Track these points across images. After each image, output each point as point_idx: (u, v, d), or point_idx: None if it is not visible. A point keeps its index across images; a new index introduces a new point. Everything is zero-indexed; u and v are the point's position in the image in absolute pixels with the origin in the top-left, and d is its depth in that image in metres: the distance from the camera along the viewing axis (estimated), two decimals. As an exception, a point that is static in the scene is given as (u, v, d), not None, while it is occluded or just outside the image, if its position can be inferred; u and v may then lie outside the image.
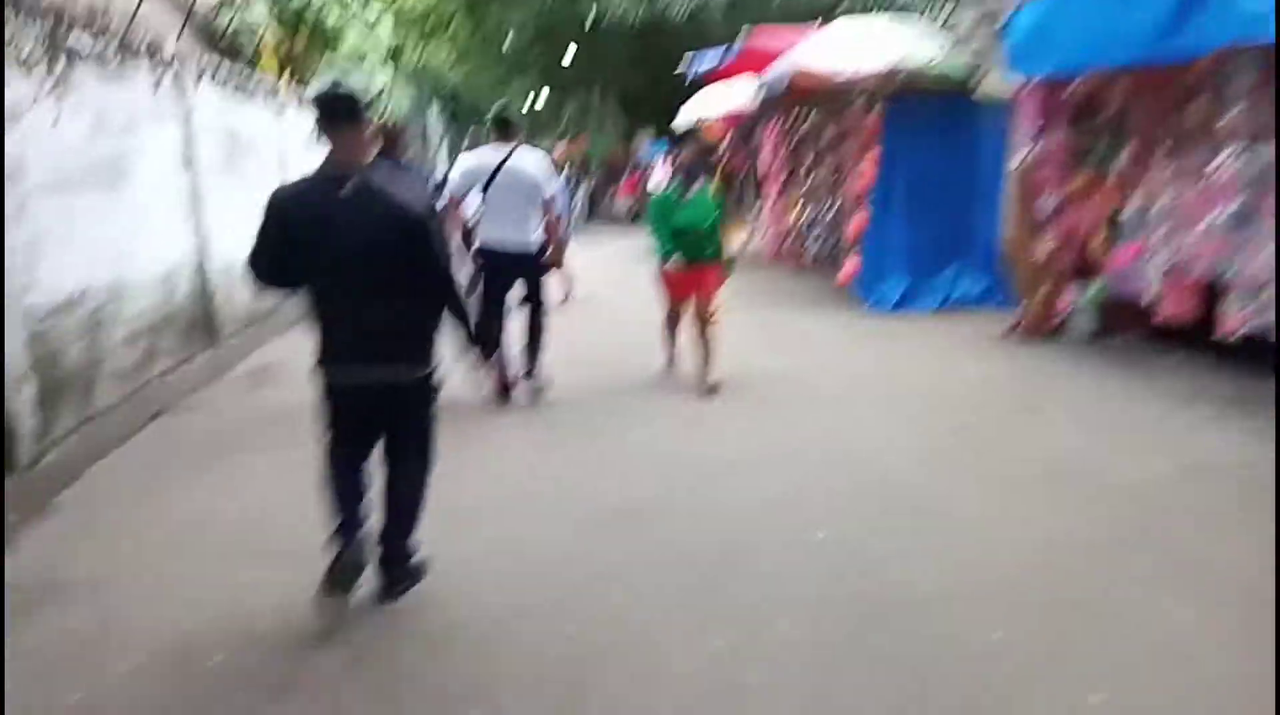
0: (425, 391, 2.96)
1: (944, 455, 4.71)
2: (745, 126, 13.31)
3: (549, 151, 19.08)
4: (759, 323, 8.54)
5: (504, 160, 5.28)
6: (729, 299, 6.61)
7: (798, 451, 4.77)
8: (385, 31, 13.89)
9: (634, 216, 21.75)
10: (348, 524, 2.96)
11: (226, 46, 10.51)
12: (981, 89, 8.43)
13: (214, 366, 6.93)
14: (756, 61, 11.00)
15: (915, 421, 5.32)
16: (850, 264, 9.19)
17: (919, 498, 4.11)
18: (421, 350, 2.90)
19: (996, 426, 5.21)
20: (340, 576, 2.89)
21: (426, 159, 27.59)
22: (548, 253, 5.62)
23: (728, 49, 10.55)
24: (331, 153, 2.74)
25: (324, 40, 12.44)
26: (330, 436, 2.99)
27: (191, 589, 3.27)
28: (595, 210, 22.92)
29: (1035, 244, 7.20)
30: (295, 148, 11.04)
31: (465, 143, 15.07)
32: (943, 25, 10.59)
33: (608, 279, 11.59)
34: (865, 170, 8.86)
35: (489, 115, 5.48)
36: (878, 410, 5.59)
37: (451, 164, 8.49)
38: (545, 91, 40.96)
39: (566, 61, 26.73)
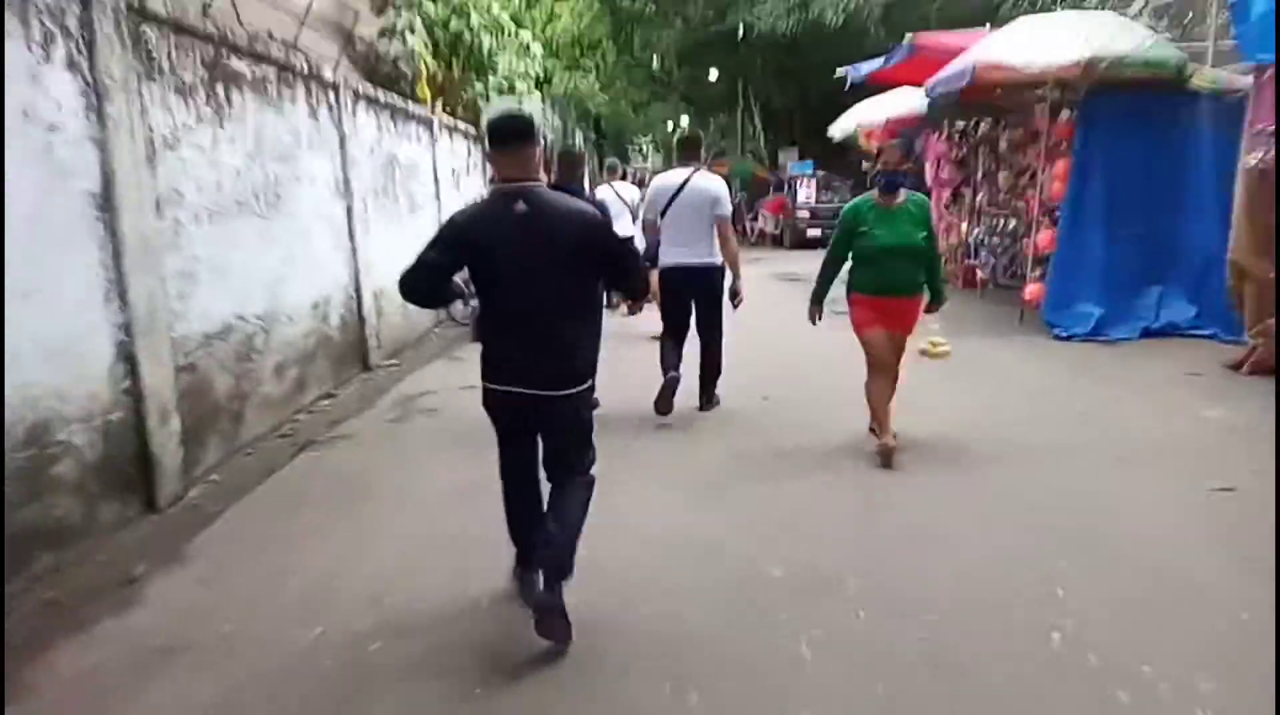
0: (587, 407, 3.02)
1: (1215, 528, 3.76)
2: (906, 136, 12.35)
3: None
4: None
5: (686, 181, 5.45)
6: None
7: (1021, 522, 3.91)
8: (536, 58, 13.86)
9: (779, 237, 20.96)
10: (525, 543, 3.13)
11: (385, 75, 10.65)
12: (1197, 79, 7.27)
13: (363, 396, 6.78)
14: (922, 67, 10.14)
15: (1163, 483, 4.32)
16: (1035, 286, 8.15)
17: (1190, 587, 3.23)
18: (587, 367, 2.97)
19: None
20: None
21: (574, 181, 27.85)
22: (725, 274, 5.71)
23: (891, 52, 9.73)
24: (503, 174, 2.82)
25: (478, 67, 12.49)
26: (502, 451, 3.08)
27: (321, 658, 2.88)
28: (741, 231, 22.32)
29: (1272, 259, 6.03)
30: (448, 174, 11.06)
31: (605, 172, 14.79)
32: (1133, 17, 9.40)
33: (758, 306, 10.92)
34: (1056, 177, 7.83)
35: (636, 140, 5.30)
36: (1110, 468, 4.57)
37: (593, 190, 8.90)
38: (685, 116, 41.10)
39: (712, 78, 26.42)
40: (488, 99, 12.32)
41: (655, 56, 23.88)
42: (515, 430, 3.01)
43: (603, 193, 10.28)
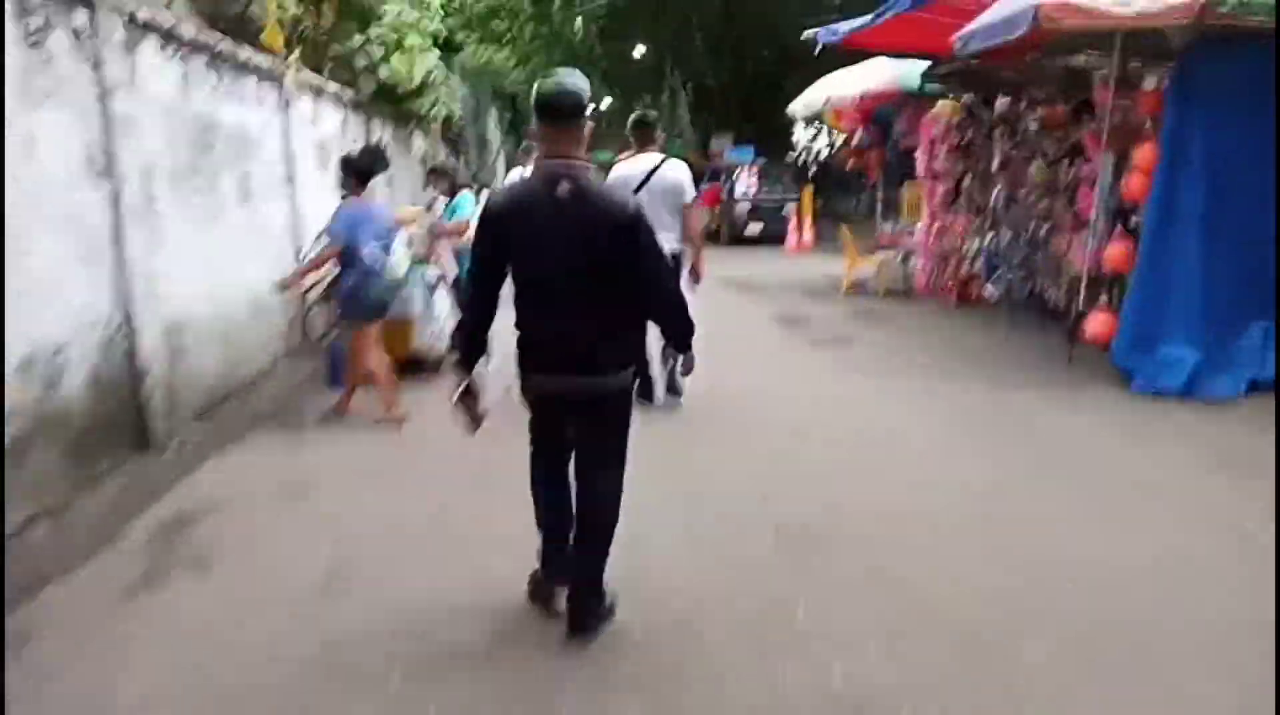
0: (625, 399, 2.80)
1: None
2: (884, 115, 10.15)
3: (614, 160, 16.04)
4: (959, 409, 5.45)
5: (654, 169, 5.25)
6: (877, 351, 5.72)
7: None
8: (433, 9, 11.08)
9: (715, 232, 18.62)
10: (553, 534, 2.92)
11: (231, 19, 7.77)
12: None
13: (114, 510, 4.10)
14: (914, 27, 7.91)
15: None
16: (1102, 316, 5.99)
17: None
18: (624, 357, 2.75)
19: None
20: (541, 593, 2.95)
21: (484, 166, 25.11)
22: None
23: (886, 5, 7.44)
24: (550, 151, 2.59)
25: (358, 15, 9.67)
26: (533, 445, 2.91)
27: None
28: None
29: None
30: (309, 150, 8.27)
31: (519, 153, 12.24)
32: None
33: (714, 328, 8.56)
34: (1139, 168, 5.67)
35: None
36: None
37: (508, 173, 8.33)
38: (609, 97, 38.46)
39: (637, 54, 24.00)
40: (370, 57, 9.53)
41: (577, 28, 21.10)
42: (551, 428, 2.85)
43: (514, 175, 9.01)
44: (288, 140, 7.59)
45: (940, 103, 9.52)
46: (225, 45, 6.21)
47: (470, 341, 2.79)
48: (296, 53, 7.91)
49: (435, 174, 6.51)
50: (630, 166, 5.35)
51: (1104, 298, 6.05)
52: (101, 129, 4.52)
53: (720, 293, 10.88)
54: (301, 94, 8.02)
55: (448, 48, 18.64)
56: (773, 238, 17.12)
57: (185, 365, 5.44)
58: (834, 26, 8.72)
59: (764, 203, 17.68)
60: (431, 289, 6.17)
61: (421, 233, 6.52)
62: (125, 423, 4.75)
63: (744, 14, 18.54)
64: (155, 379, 4.95)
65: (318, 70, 8.89)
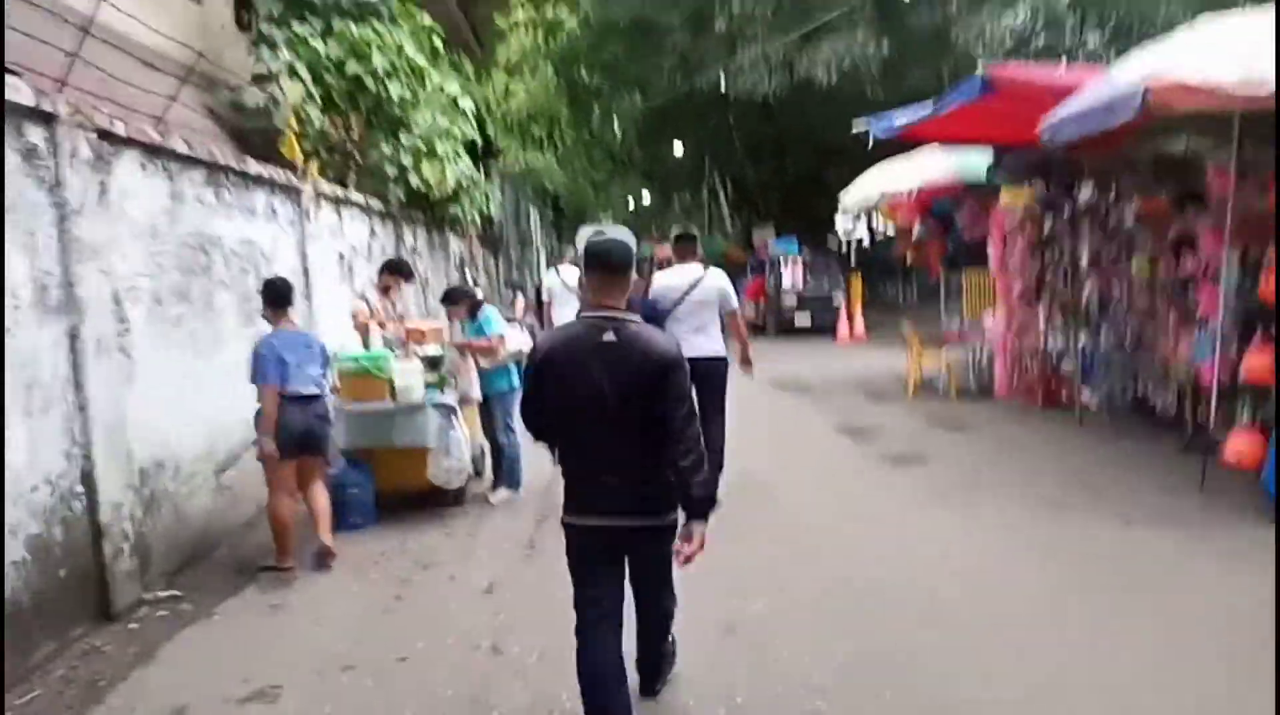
0: (668, 536, 2.77)
1: None
2: (943, 207, 9.36)
3: (651, 254, 15.55)
4: (1076, 556, 4.39)
5: (697, 282, 5.37)
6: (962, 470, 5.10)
7: None
8: (467, 117, 10.74)
9: (760, 325, 17.83)
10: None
11: (257, 132, 7.38)
12: None
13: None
14: (974, 116, 7.20)
15: None
16: (1249, 437, 4.92)
17: None
18: (668, 497, 2.71)
19: None
20: None
21: (525, 263, 24.91)
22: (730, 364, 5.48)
23: (950, 93, 6.72)
24: (595, 299, 2.70)
25: (386, 123, 9.31)
26: (578, 596, 2.76)
27: None
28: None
29: None
30: (330, 262, 7.72)
31: (563, 256, 11.78)
32: None
33: (765, 433, 7.62)
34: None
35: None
36: None
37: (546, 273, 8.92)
38: (646, 193, 38.66)
39: (676, 152, 23.80)
40: (398, 164, 9.10)
41: (615, 131, 21.03)
42: (594, 568, 2.75)
43: (549, 279, 9.06)
44: (304, 254, 7.05)
45: (1005, 192, 8.72)
46: (226, 157, 5.68)
47: (549, 436, 2.87)
48: (315, 164, 7.45)
49: (450, 302, 5.83)
50: (673, 277, 5.51)
51: (1245, 414, 4.99)
52: (58, 256, 3.89)
53: (773, 396, 9.97)
54: (321, 205, 7.52)
55: (487, 153, 18.68)
56: (821, 328, 16.29)
57: (164, 514, 4.69)
58: (888, 118, 8.02)
59: (811, 293, 16.90)
60: (450, 413, 5.38)
61: (453, 353, 5.79)
62: (80, 593, 3.98)
63: (784, 114, 18.17)
64: (120, 537, 4.18)
65: (342, 182, 8.46)
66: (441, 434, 5.27)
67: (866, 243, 32.48)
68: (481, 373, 5.76)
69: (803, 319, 16.71)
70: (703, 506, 2.66)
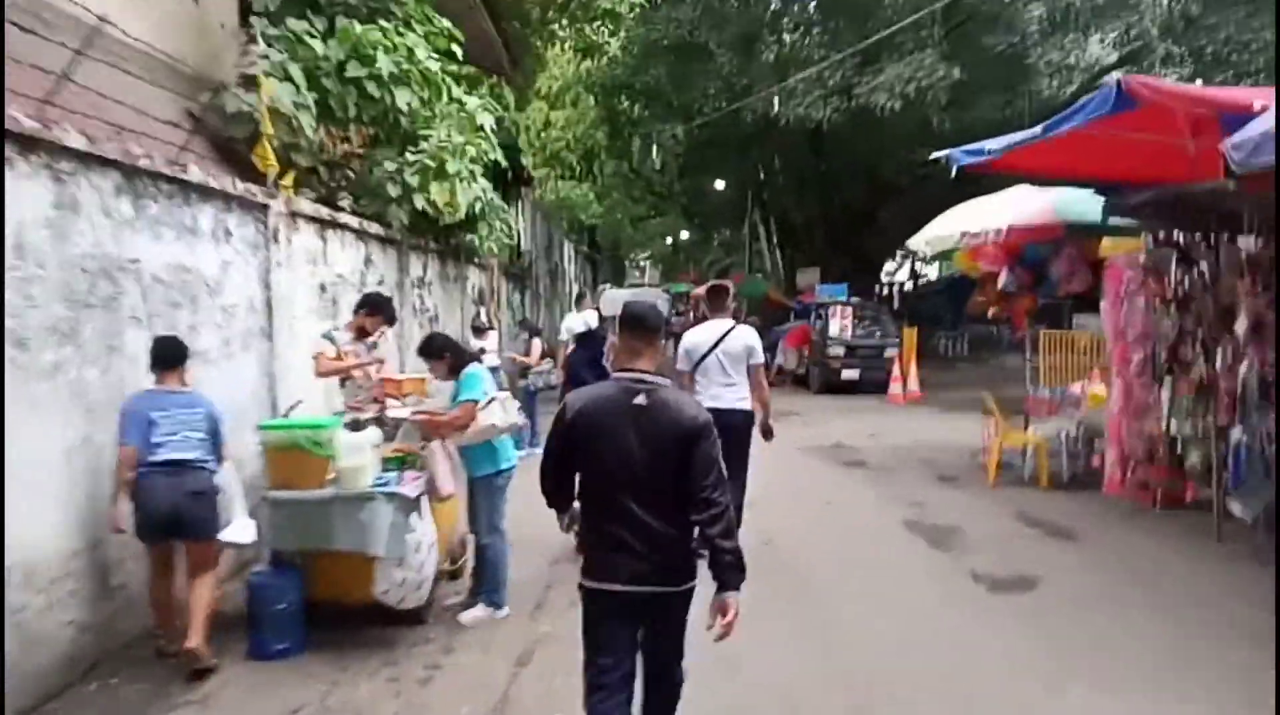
0: (686, 602, 2.72)
1: None
2: (1035, 254, 7.88)
3: (687, 292, 15.22)
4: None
5: (724, 335, 5.39)
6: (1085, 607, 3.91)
7: None
8: (489, 138, 9.52)
9: (803, 377, 16.31)
10: None
11: (230, 139, 6.18)
12: None
13: None
14: (1091, 145, 5.84)
15: None
16: None
17: None
18: (690, 564, 2.69)
19: None
20: None
21: (556, 300, 23.68)
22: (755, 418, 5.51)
23: (1078, 107, 5.30)
24: (627, 363, 2.72)
25: (391, 135, 8.12)
26: (594, 662, 2.68)
27: None
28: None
29: None
30: (303, 294, 6.45)
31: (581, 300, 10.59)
32: None
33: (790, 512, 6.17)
34: None
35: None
36: None
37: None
38: (686, 231, 37.49)
39: (718, 187, 22.67)
40: (402, 182, 7.87)
41: (655, 160, 19.85)
42: (614, 633, 2.69)
43: (570, 321, 9.15)
44: (267, 284, 5.79)
45: (1107, 241, 7.25)
46: (153, 162, 4.44)
47: (560, 505, 2.78)
48: (291, 176, 6.22)
49: (427, 354, 4.47)
50: (701, 333, 5.54)
51: None
52: None
53: (821, 470, 8.47)
54: (298, 226, 6.28)
55: (519, 181, 17.55)
56: (871, 385, 14.74)
57: (30, 633, 3.38)
58: (976, 146, 6.60)
59: (861, 345, 15.37)
60: (410, 507, 4.01)
61: (409, 425, 4.46)
62: None
63: (834, 147, 16.82)
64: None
65: (331, 200, 7.24)
66: (395, 536, 3.89)
67: (909, 286, 30.88)
68: (463, 450, 4.39)
69: (850, 373, 15.14)
70: (736, 576, 2.59)
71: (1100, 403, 7.74)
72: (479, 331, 9.50)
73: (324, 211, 6.75)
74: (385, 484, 3.97)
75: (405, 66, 7.67)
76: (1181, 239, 6.00)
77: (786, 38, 14.13)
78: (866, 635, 4.31)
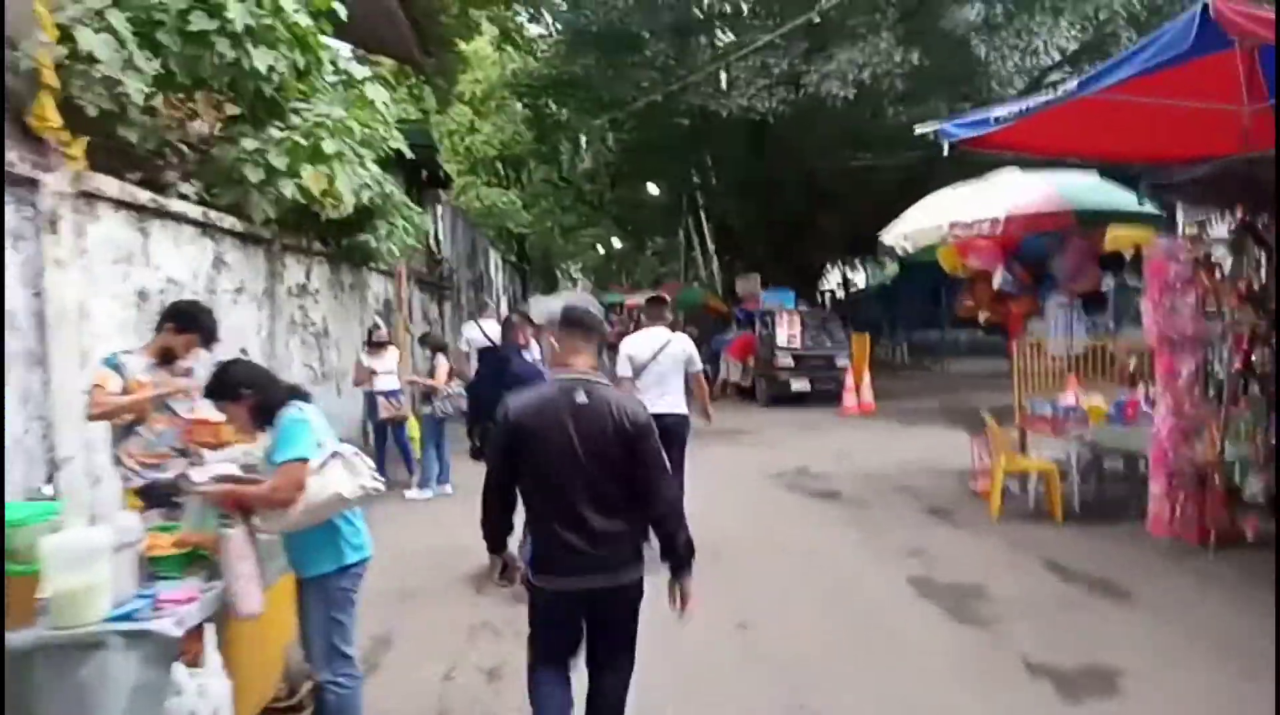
0: (641, 586, 2.75)
1: None
2: (1035, 249, 6.63)
3: (622, 301, 14.35)
4: None
5: (664, 346, 5.56)
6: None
7: None
8: (385, 117, 7.88)
9: (749, 389, 14.94)
10: None
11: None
12: None
13: None
14: (1101, 116, 4.67)
15: None
16: None
17: None
18: (638, 551, 2.73)
19: None
20: None
21: (484, 311, 21.71)
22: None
23: (1148, 43, 4.02)
24: (566, 360, 2.74)
25: (254, 106, 6.42)
26: (538, 651, 2.76)
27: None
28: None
29: None
30: (103, 311, 4.71)
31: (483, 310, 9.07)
32: None
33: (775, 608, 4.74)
34: None
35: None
36: None
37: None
38: (617, 240, 36.07)
39: (652, 192, 21.29)
40: (266, 167, 6.16)
41: (583, 156, 18.39)
42: (559, 632, 2.74)
43: (470, 331, 8.63)
44: (38, 288, 4.05)
45: (1116, 231, 6.04)
46: None
47: (498, 530, 2.80)
48: (79, 144, 4.46)
49: (218, 395, 2.83)
50: (641, 341, 5.65)
51: None
52: None
53: (793, 507, 7.05)
54: (96, 212, 4.55)
55: (433, 182, 15.80)
56: (823, 396, 13.53)
57: None
58: (978, 116, 5.29)
59: (811, 354, 14.12)
60: (168, 656, 2.36)
61: (196, 500, 2.83)
62: None
63: (775, 148, 15.59)
64: None
65: (155, 181, 5.49)
66: (144, 708, 2.25)
67: (840, 293, 29.98)
68: (288, 538, 2.78)
69: (800, 385, 13.89)
70: (687, 559, 2.68)
71: (1099, 416, 6.58)
72: (375, 347, 7.80)
73: (141, 195, 5.02)
74: (131, 615, 2.32)
75: (267, 21, 6.01)
76: (1257, 222, 4.75)
77: (726, 27, 12.84)
78: None
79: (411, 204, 9.75)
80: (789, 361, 14.02)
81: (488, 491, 2.71)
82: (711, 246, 22.95)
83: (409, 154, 8.81)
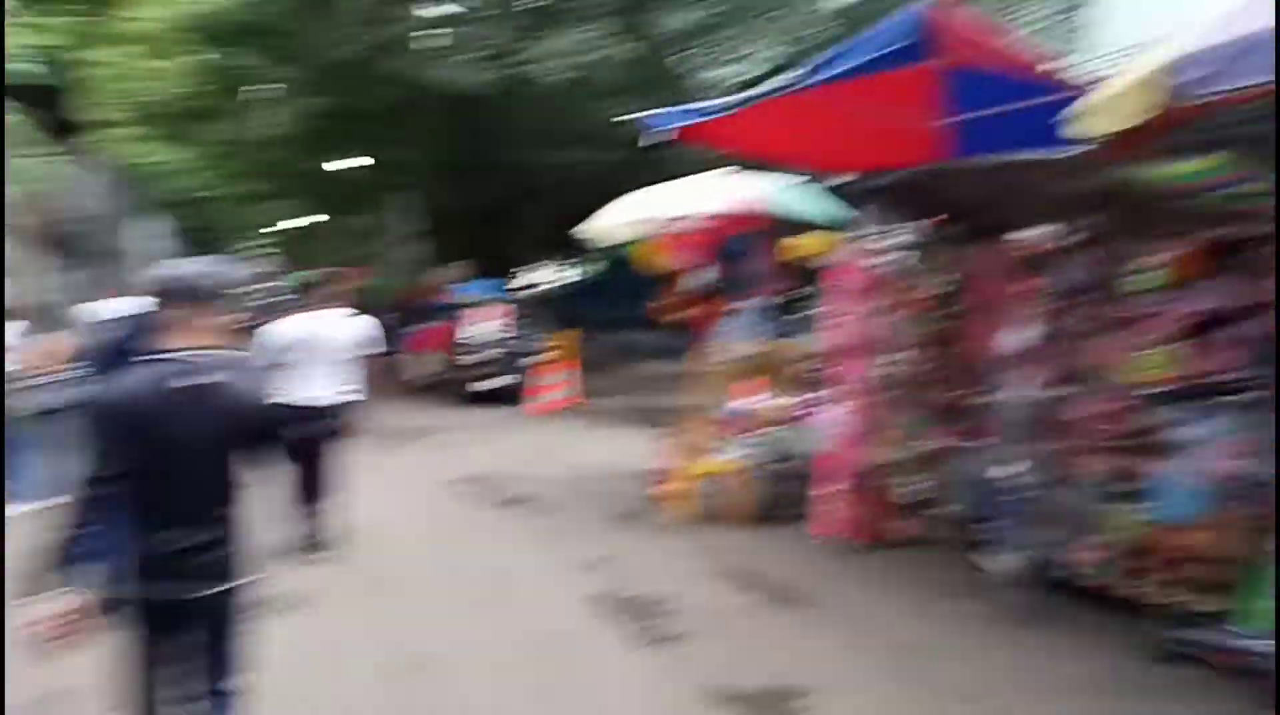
0: (243, 601, 2.53)
1: None
2: (738, 248, 6.57)
3: (314, 281, 12.44)
4: None
5: (320, 332, 5.35)
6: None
7: None
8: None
9: (438, 383, 13.88)
10: None
11: None
12: None
13: None
14: (815, 116, 4.64)
15: None
16: None
17: None
18: (244, 559, 2.51)
19: None
20: None
21: (116, 284, 18.08)
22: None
23: (817, 62, 3.91)
24: (165, 337, 2.39)
25: None
26: (136, 676, 2.41)
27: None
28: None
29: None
30: None
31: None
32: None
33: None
34: None
35: None
36: None
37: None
38: (312, 217, 32.90)
39: (347, 165, 19.35)
40: None
41: (270, 121, 16.22)
42: (159, 648, 2.41)
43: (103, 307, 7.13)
44: None
45: (795, 240, 6.17)
46: None
47: (76, 549, 2.28)
48: None
49: None
50: (311, 323, 5.37)
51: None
52: None
53: (477, 519, 6.35)
54: None
55: (66, 128, 12.81)
56: (516, 394, 13.02)
57: None
58: (675, 111, 4.98)
59: (507, 351, 13.50)
60: None
61: None
62: None
63: (482, 132, 14.80)
64: None
65: None
66: None
67: (545, 287, 30.05)
68: None
69: (493, 382, 13.19)
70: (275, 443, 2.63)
71: (777, 419, 6.69)
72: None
73: None
74: None
75: None
76: (937, 232, 4.90)
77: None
78: None
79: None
80: (482, 357, 13.28)
81: (83, 498, 2.31)
82: (410, 230, 21.59)
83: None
